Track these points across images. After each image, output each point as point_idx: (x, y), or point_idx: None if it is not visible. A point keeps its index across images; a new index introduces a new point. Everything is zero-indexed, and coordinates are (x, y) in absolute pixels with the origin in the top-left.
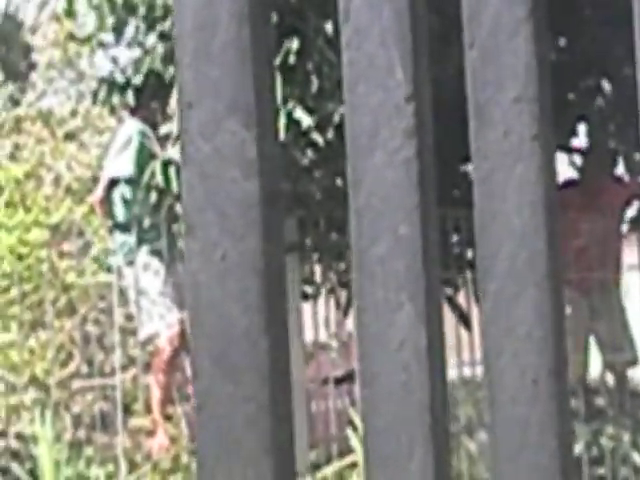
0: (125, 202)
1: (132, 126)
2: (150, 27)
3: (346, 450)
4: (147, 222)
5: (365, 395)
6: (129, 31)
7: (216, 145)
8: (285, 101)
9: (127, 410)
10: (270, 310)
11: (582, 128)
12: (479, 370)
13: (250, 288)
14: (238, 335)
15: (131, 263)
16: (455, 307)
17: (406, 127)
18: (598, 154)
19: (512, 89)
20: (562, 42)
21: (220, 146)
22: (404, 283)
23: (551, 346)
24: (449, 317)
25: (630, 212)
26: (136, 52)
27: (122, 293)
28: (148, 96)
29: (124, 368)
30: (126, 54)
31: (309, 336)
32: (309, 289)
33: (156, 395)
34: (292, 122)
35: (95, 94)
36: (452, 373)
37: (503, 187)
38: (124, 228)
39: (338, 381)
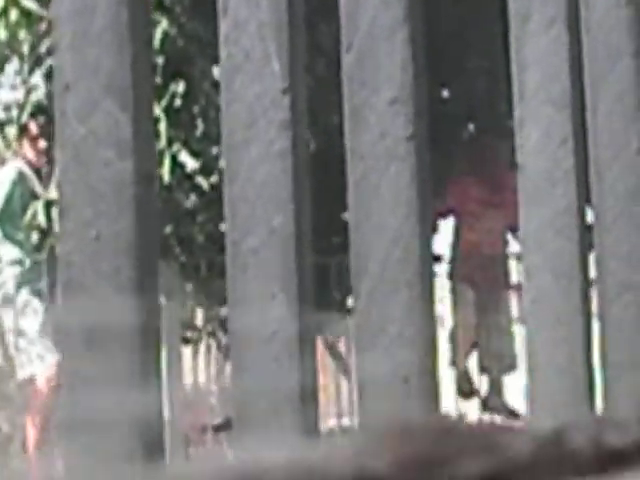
0: (7, 241)
1: (9, 169)
2: (34, 65)
3: None
4: (28, 262)
5: (236, 386)
6: (12, 69)
7: (91, 126)
8: (170, 144)
9: (4, 451)
10: (142, 290)
11: None
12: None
13: (123, 268)
14: (110, 315)
15: (10, 302)
16: (335, 354)
17: (282, 119)
18: None
19: (388, 91)
20: (445, 93)
21: (95, 127)
22: (277, 274)
23: (422, 345)
24: (330, 365)
25: None
26: (20, 93)
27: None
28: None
29: (1, 409)
30: (8, 95)
31: (189, 381)
32: (190, 334)
33: (32, 436)
34: (176, 165)
35: None
36: (332, 422)
37: (377, 187)
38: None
39: (217, 428)
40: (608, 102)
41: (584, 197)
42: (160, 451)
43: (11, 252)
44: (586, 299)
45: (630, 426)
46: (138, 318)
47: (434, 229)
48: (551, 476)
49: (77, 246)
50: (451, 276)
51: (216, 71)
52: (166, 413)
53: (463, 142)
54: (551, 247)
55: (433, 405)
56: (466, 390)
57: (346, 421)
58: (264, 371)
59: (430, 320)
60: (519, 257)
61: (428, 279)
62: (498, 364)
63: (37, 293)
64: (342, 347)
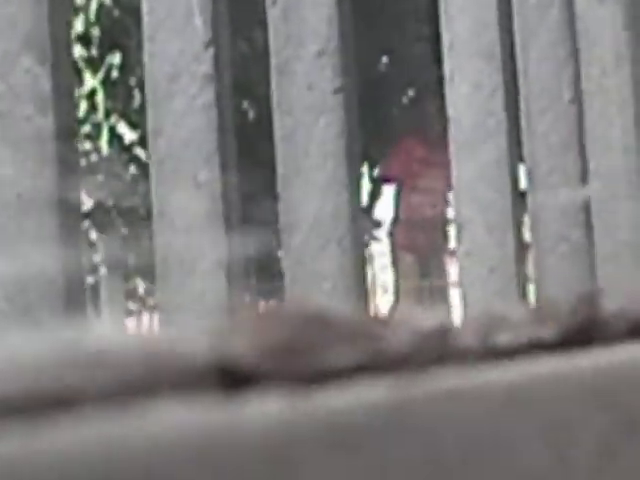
0: None
1: None
2: None
3: None
4: None
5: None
6: None
7: (10, 83)
8: (107, 115)
9: None
10: (66, 247)
11: None
12: None
13: (46, 225)
14: (34, 274)
15: None
16: None
17: (205, 73)
18: None
19: (314, 43)
20: (385, 59)
21: (14, 84)
22: (205, 230)
23: (354, 300)
24: None
25: None
26: None
27: None
28: None
29: None
30: None
31: None
32: (133, 306)
33: None
34: (115, 137)
35: None
36: None
37: (306, 142)
38: None
39: None
40: (539, 52)
41: (516, 148)
42: None
43: None
44: (520, 251)
45: (523, 327)
46: (62, 274)
47: (378, 194)
48: (431, 367)
49: None
50: (392, 243)
51: None
52: None
53: (404, 106)
54: (483, 199)
55: None
56: None
57: None
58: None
59: (361, 275)
60: None
61: (359, 233)
62: None
63: None
64: None
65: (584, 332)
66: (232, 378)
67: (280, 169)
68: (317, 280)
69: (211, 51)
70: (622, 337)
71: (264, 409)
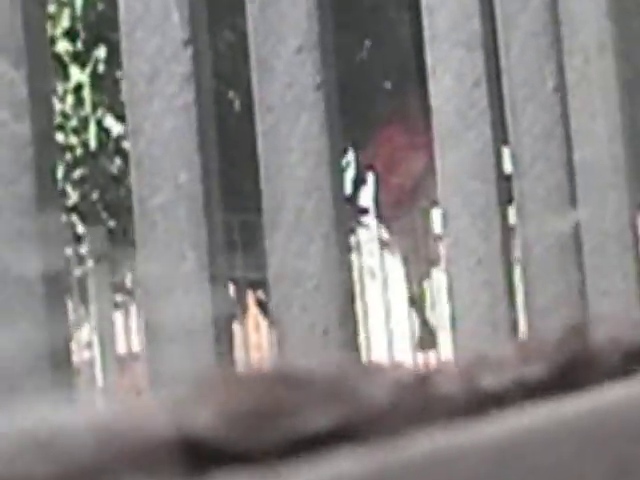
0: None
1: None
2: None
3: None
4: None
5: (150, 347)
6: None
7: None
8: (94, 109)
9: None
10: (47, 251)
11: None
12: None
13: (24, 232)
14: (12, 281)
15: None
16: (267, 311)
17: (184, 72)
18: None
19: (294, 39)
20: (368, 43)
21: None
22: (186, 231)
23: (340, 297)
24: (263, 323)
25: None
26: None
27: None
28: None
29: None
30: None
31: (122, 347)
32: (120, 298)
33: None
34: (102, 130)
35: None
36: None
37: (287, 138)
38: None
39: None
40: (521, 42)
41: (500, 139)
42: None
43: None
44: (506, 242)
45: (509, 364)
46: (43, 280)
47: (363, 181)
48: (414, 423)
49: None
50: (378, 227)
51: None
52: (99, 378)
53: (388, 91)
54: (468, 190)
55: (354, 355)
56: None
57: None
58: (179, 328)
59: (347, 271)
60: None
61: (343, 230)
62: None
63: None
64: None
65: (574, 370)
66: (196, 453)
67: (262, 165)
68: (301, 278)
69: (190, 50)
70: (615, 371)
71: None
